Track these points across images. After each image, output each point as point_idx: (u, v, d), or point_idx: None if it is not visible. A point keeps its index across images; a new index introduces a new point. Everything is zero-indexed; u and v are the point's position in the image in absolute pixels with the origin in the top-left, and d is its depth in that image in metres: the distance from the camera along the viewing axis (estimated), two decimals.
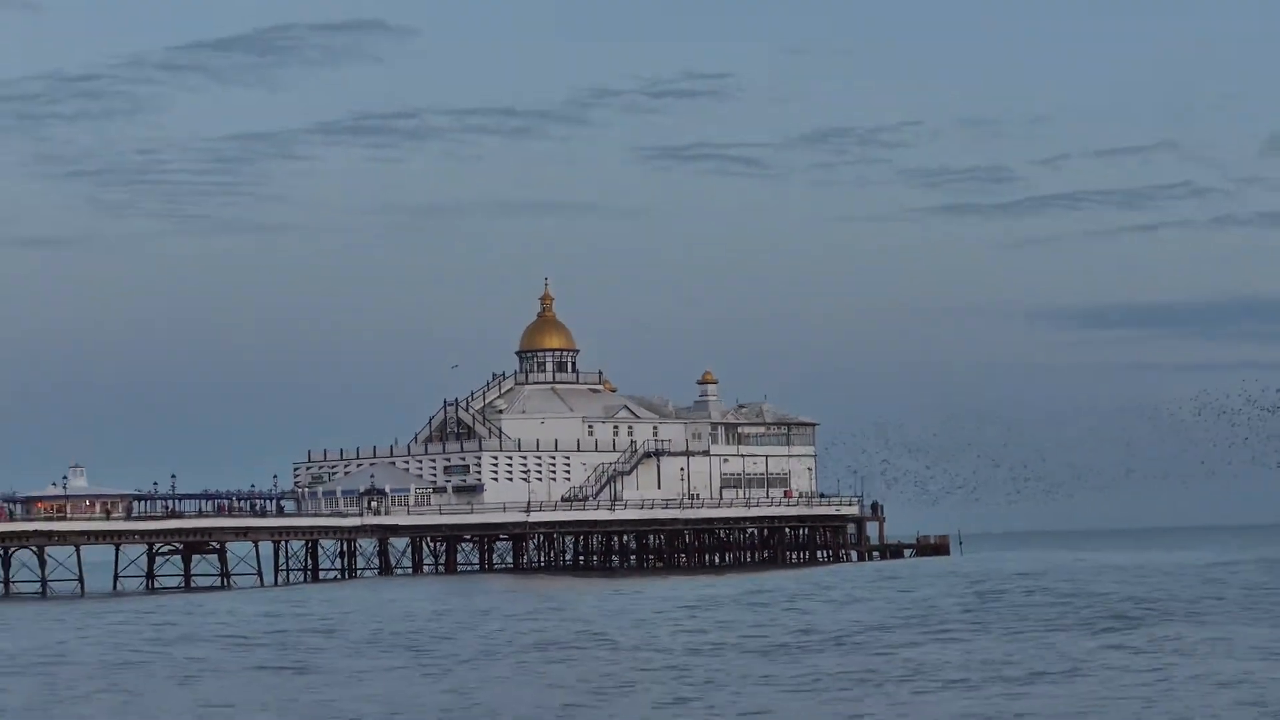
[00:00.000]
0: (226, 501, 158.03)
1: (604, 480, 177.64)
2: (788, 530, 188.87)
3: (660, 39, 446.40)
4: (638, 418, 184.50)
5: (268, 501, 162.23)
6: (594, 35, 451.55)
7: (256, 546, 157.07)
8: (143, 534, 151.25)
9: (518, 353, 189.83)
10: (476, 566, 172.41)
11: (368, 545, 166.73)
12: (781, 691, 56.36)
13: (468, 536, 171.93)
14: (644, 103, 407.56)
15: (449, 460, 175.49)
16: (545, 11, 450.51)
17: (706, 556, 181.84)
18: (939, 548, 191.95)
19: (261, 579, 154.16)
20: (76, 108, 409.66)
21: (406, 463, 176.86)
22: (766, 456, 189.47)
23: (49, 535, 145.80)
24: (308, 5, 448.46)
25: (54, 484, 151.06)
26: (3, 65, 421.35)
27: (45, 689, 63.27)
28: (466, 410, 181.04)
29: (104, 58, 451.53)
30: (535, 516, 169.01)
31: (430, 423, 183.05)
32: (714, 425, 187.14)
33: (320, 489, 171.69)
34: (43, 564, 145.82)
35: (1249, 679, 56.48)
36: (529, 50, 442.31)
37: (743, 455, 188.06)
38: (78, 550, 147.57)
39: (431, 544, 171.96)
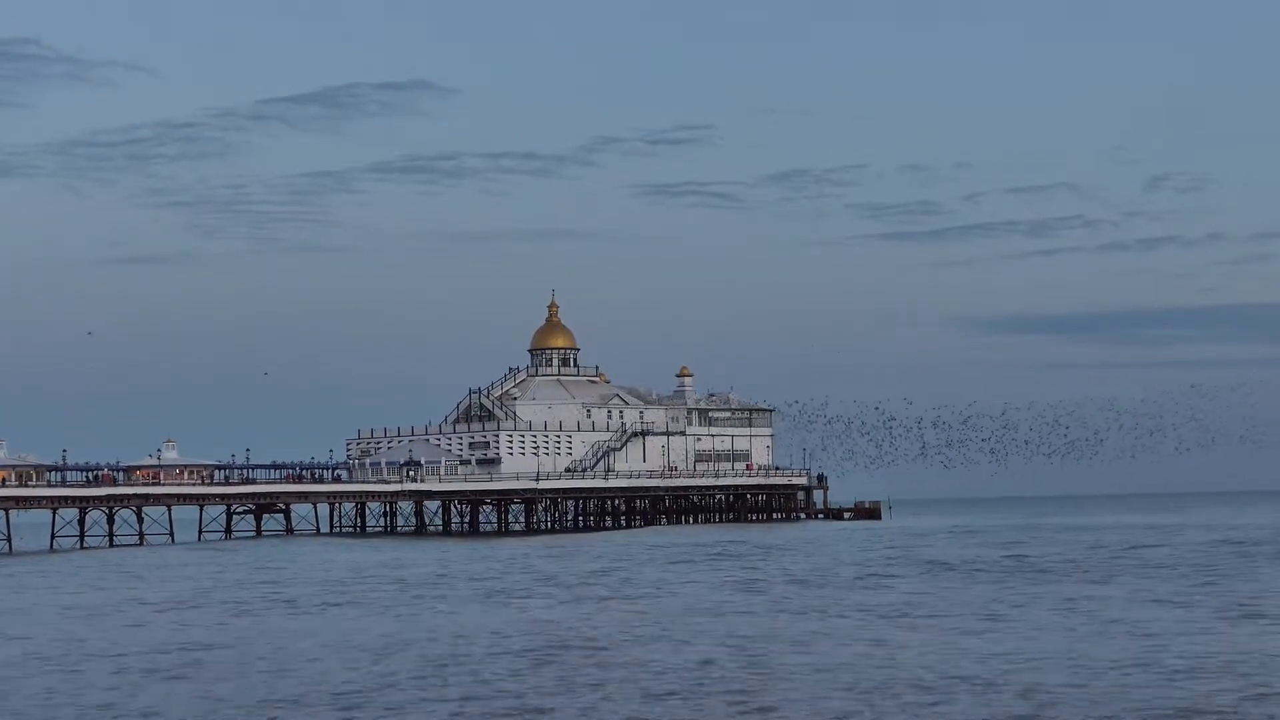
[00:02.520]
0: (291, 470, 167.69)
1: (599, 455, 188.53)
2: (749, 496, 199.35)
3: (657, 97, 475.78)
4: (627, 404, 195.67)
5: (325, 470, 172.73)
6: (602, 93, 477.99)
7: (315, 507, 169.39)
8: (222, 497, 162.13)
9: (529, 351, 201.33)
10: (495, 525, 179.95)
11: (406, 507, 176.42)
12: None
13: (488, 501, 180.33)
14: (642, 148, 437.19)
15: (473, 438, 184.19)
16: (562, 74, 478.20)
17: (683, 518, 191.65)
18: (873, 512, 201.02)
19: (318, 534, 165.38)
20: (179, 150, 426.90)
21: (438, 440, 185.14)
22: (732, 436, 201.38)
23: (146, 498, 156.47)
24: (369, 68, 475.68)
25: (150, 455, 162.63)
26: (120, 115, 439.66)
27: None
28: (487, 397, 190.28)
29: (202, 110, 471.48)
30: (543, 484, 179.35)
31: (458, 407, 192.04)
32: (689, 410, 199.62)
33: (367, 460, 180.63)
34: (140, 521, 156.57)
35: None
36: (548, 105, 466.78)
37: (713, 435, 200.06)
38: (169, 510, 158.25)
39: (458, 506, 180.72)
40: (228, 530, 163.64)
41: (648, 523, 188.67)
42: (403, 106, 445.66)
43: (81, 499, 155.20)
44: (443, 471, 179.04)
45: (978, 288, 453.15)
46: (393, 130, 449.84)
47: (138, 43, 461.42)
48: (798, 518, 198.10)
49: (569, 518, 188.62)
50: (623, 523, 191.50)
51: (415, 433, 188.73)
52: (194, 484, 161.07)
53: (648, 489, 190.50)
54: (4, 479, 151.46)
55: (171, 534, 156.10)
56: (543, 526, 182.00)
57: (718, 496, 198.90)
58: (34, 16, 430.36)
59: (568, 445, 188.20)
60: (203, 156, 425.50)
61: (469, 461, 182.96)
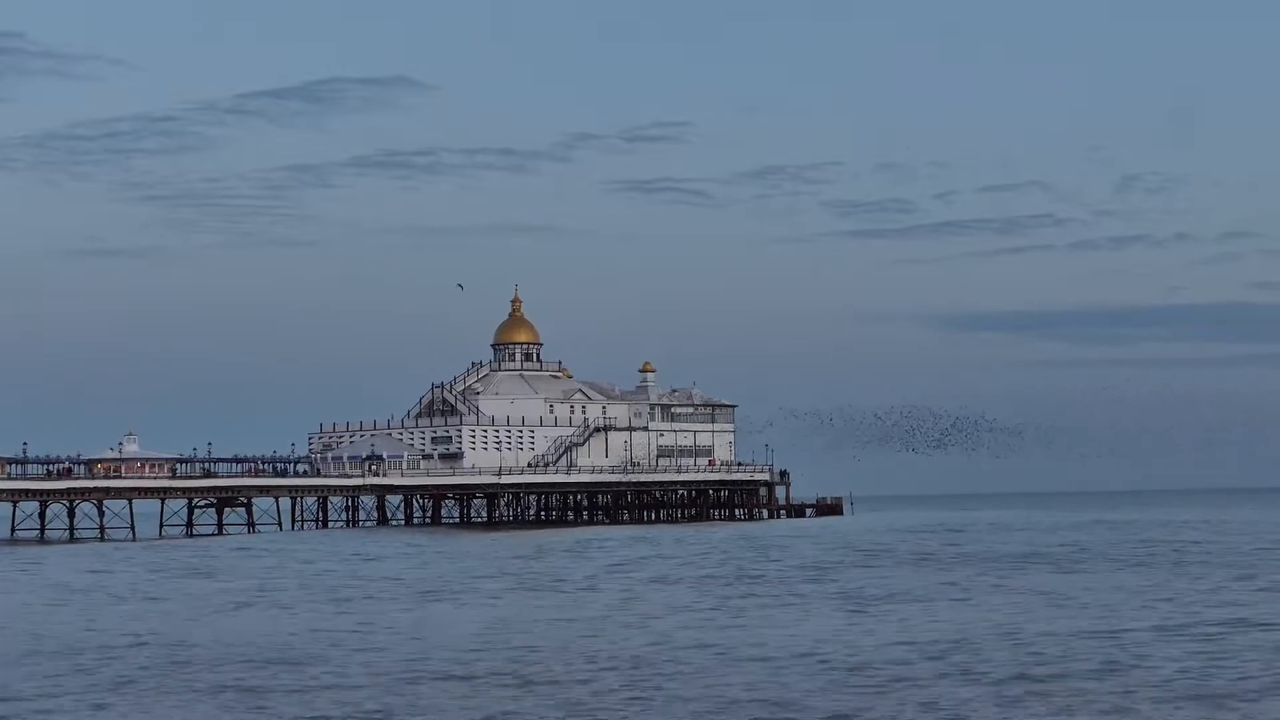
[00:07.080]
0: (253, 464, 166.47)
1: (562, 450, 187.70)
2: (711, 492, 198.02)
3: (634, 94, 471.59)
4: (590, 399, 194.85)
5: (287, 464, 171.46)
6: (579, 90, 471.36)
7: (277, 501, 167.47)
8: (184, 490, 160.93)
9: (492, 345, 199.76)
10: (457, 520, 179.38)
11: (368, 501, 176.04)
12: None
13: (450, 495, 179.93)
14: (619, 145, 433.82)
15: (435, 432, 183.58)
16: (539, 71, 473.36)
17: (645, 513, 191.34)
18: (834, 508, 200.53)
19: (280, 528, 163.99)
20: (157, 143, 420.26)
21: (400, 434, 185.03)
22: (694, 432, 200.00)
23: (106, 491, 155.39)
24: (350, 63, 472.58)
25: (111, 448, 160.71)
26: (99, 107, 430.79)
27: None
28: (450, 391, 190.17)
29: (182, 103, 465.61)
30: (506, 479, 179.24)
31: (420, 401, 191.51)
32: (652, 406, 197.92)
33: (330, 455, 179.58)
34: (101, 515, 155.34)
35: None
36: (526, 102, 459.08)
37: (675, 430, 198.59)
38: (130, 503, 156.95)
39: (420, 501, 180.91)
40: (189, 525, 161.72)
41: (612, 518, 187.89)
42: (382, 102, 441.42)
43: (42, 492, 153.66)
44: (405, 466, 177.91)
45: (948, 285, 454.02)
46: (371, 126, 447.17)
47: (120, 36, 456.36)
48: (759, 514, 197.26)
49: (531, 512, 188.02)
50: (585, 517, 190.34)
51: (378, 427, 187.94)
52: (155, 477, 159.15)
53: (610, 484, 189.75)
54: None
55: (132, 528, 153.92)
56: (505, 521, 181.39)
57: (680, 492, 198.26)
58: (20, 10, 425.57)
59: (530, 440, 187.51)
60: (181, 150, 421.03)
61: (431, 456, 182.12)
